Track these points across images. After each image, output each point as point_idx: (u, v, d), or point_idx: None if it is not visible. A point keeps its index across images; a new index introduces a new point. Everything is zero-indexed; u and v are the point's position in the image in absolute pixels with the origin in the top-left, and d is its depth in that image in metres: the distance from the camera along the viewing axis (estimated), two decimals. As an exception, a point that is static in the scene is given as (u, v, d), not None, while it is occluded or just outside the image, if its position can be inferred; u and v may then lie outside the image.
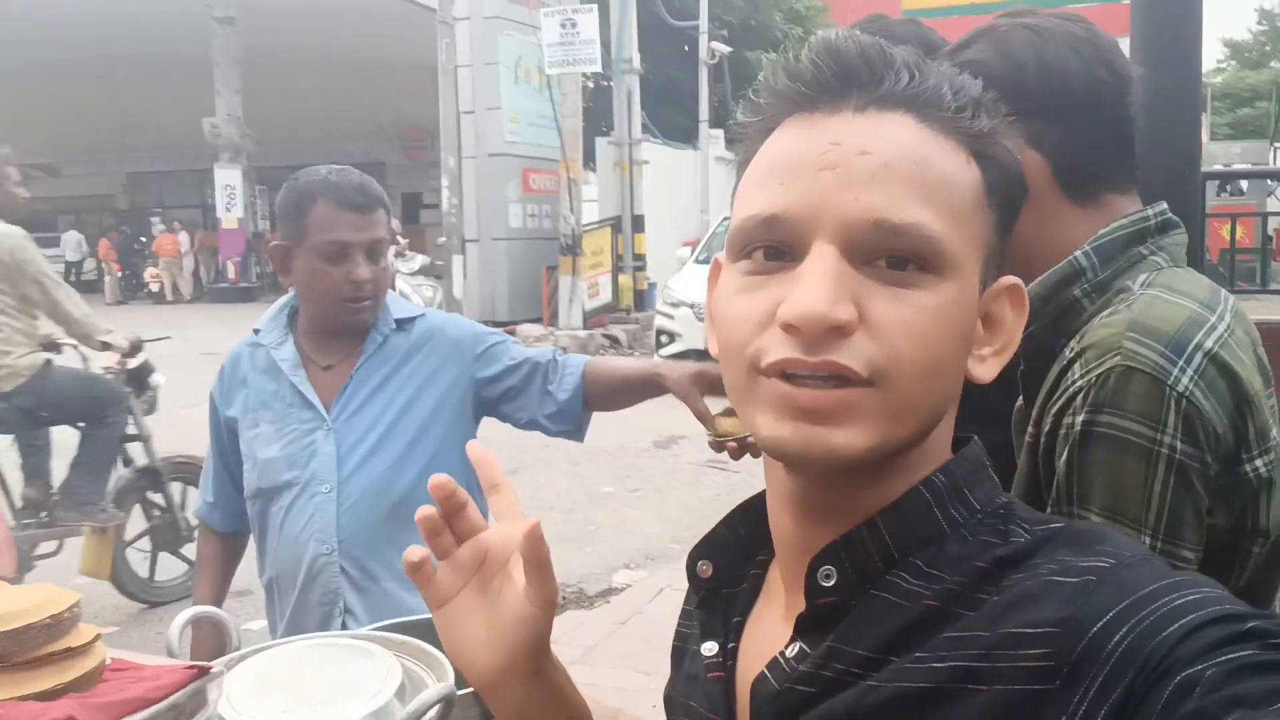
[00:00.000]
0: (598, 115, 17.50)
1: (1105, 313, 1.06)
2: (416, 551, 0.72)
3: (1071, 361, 1.03)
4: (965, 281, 0.65)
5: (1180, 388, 0.97)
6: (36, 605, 0.97)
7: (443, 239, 14.15)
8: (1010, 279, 0.70)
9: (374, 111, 24.79)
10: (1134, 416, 0.97)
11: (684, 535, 5.57)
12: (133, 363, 4.64)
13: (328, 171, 1.86)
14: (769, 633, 0.72)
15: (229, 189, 21.45)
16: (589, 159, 16.63)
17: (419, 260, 14.67)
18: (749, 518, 0.77)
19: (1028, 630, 0.59)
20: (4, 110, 22.67)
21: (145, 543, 4.83)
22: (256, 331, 1.98)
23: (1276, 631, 0.53)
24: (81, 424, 4.56)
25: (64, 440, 4.72)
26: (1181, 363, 0.98)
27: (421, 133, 23.66)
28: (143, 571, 4.77)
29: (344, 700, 1.18)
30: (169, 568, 4.83)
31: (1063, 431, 1.01)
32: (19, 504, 4.55)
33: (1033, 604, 0.60)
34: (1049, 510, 1.00)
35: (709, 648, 0.74)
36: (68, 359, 4.68)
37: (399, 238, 12.97)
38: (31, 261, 4.24)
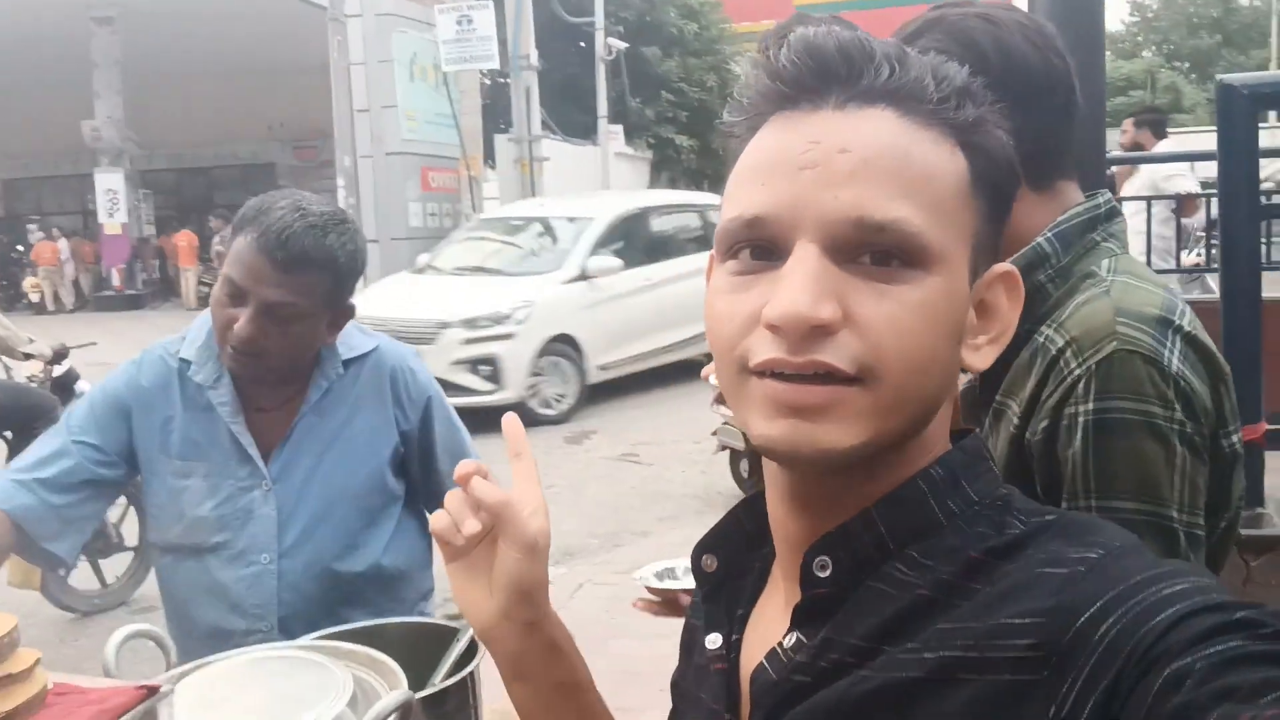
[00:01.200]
0: (496, 112, 17.38)
1: (1079, 298, 1.08)
2: (440, 520, 0.81)
3: (1062, 351, 1.04)
4: (952, 273, 0.65)
5: (1173, 369, 1.00)
6: (-30, 631, 0.92)
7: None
8: (1004, 266, 0.71)
9: (264, 112, 24.14)
10: (1143, 398, 0.99)
11: (600, 530, 5.57)
12: (58, 370, 4.55)
13: (288, 204, 1.60)
14: (770, 624, 0.73)
15: (111, 194, 20.65)
16: (488, 156, 16.49)
17: None
18: (753, 512, 0.78)
19: (1016, 621, 0.60)
20: None
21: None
22: (185, 361, 1.72)
23: (1264, 621, 0.54)
24: (7, 434, 4.44)
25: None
26: (1169, 344, 1.01)
27: (314, 132, 23.15)
28: (72, 582, 4.57)
29: (295, 714, 1.14)
30: (92, 577, 4.62)
31: (1065, 423, 1.01)
32: None
33: (1022, 595, 0.61)
34: (1064, 504, 1.01)
35: (713, 640, 0.75)
36: None
37: None
38: None
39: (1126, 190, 6.54)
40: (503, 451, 0.85)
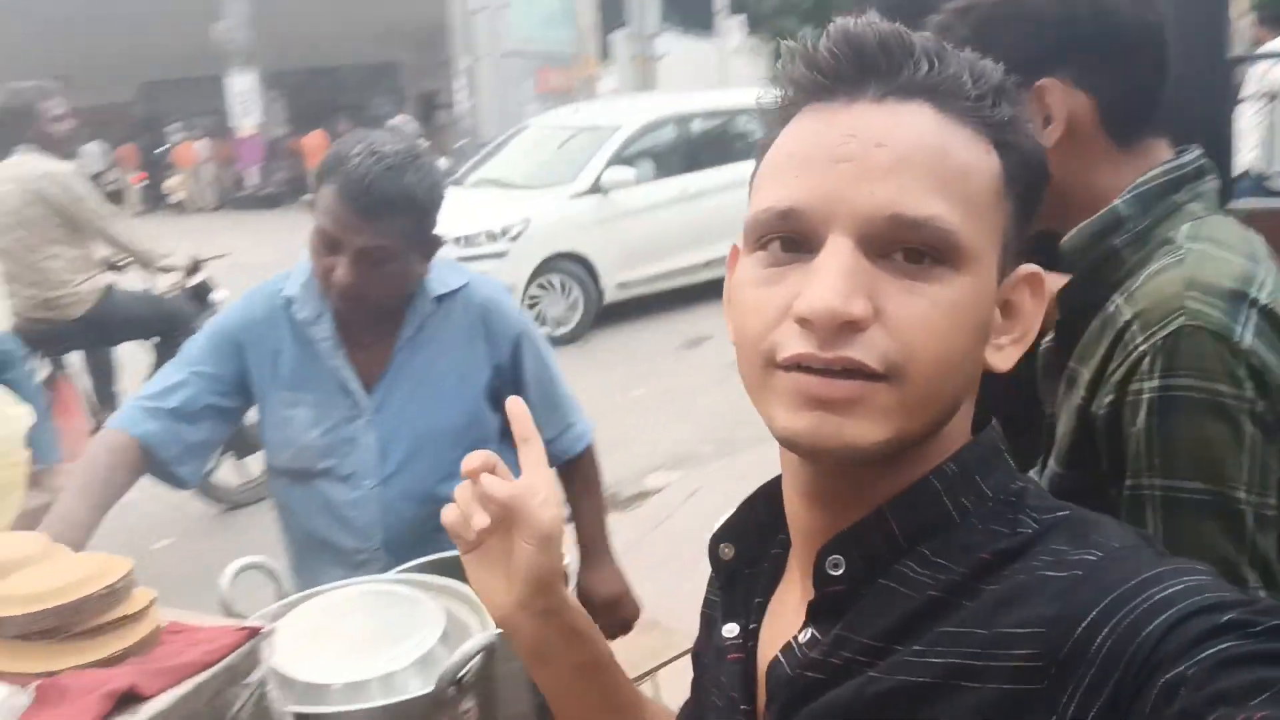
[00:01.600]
0: (612, 8, 17.06)
1: (1152, 266, 1.04)
2: (451, 513, 0.84)
3: (1129, 324, 1.00)
4: (982, 273, 0.65)
5: (1245, 344, 0.96)
6: (92, 576, 1.01)
7: (461, 141, 14.00)
8: (1029, 267, 0.70)
9: (385, 11, 24.28)
10: (1210, 376, 0.95)
11: (716, 436, 5.61)
12: (193, 281, 4.78)
13: (362, 149, 1.65)
14: (787, 616, 0.74)
15: (244, 95, 21.22)
16: (604, 53, 16.29)
17: None
18: (768, 500, 0.78)
19: (1018, 630, 0.60)
20: (16, 22, 22.40)
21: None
22: (289, 299, 1.80)
23: (1255, 620, 0.54)
24: (153, 340, 4.73)
25: (129, 361, 4.92)
26: (1241, 319, 0.97)
27: (434, 31, 23.21)
28: (218, 478, 4.86)
29: (391, 647, 1.22)
30: (242, 472, 4.90)
31: (1130, 399, 0.99)
32: (90, 427, 4.67)
33: (1024, 601, 0.61)
34: (1128, 481, 0.99)
35: (730, 629, 0.77)
36: (130, 279, 4.84)
37: None
38: (85, 198, 4.35)
39: (1246, 91, 6.08)
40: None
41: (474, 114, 14.10)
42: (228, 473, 4.80)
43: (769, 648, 0.73)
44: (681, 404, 6.38)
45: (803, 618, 0.70)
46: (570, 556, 1.52)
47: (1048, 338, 1.20)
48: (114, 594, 1.01)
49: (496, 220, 8.20)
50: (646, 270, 8.91)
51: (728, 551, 0.79)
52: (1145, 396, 0.98)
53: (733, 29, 18.12)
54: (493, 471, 0.82)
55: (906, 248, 0.63)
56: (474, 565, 0.85)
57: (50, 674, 0.94)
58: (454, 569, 1.44)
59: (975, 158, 0.65)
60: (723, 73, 17.37)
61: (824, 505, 0.70)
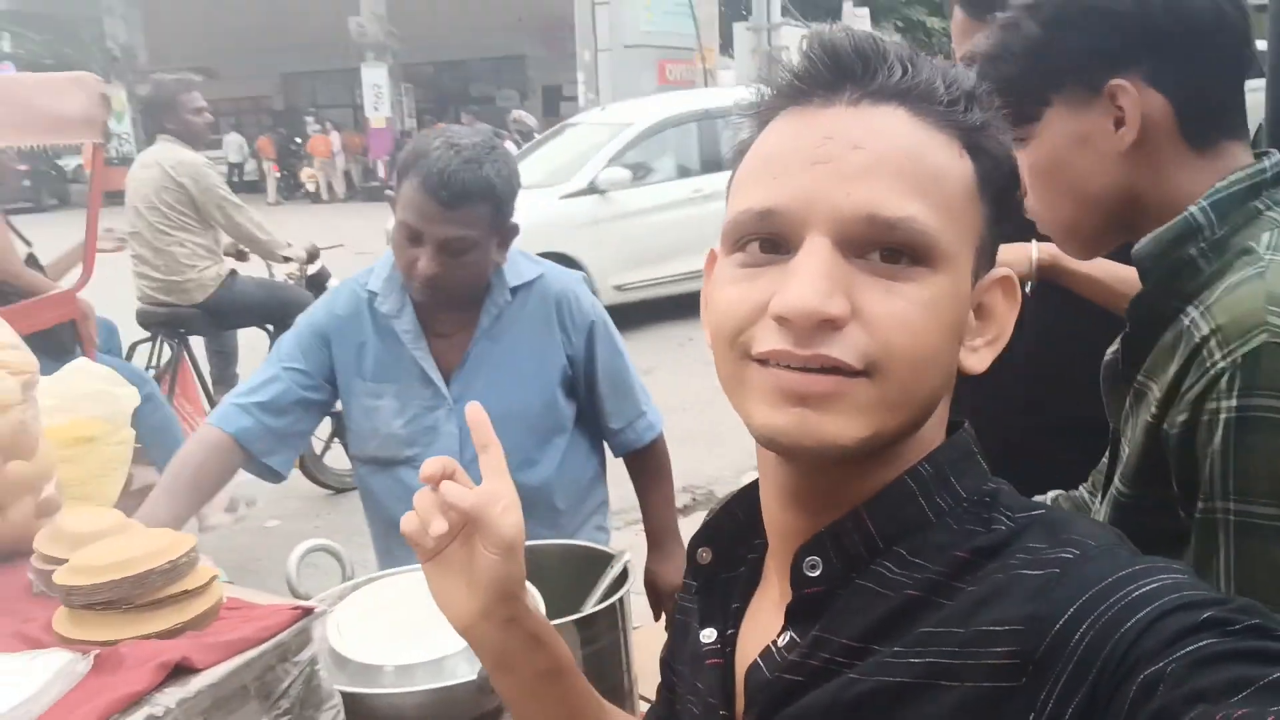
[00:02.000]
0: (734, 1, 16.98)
1: (1231, 278, 0.98)
2: (410, 521, 0.84)
3: (1206, 340, 0.96)
4: (957, 274, 0.66)
5: None
6: (157, 550, 1.06)
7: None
8: (1002, 270, 0.71)
9: (513, 4, 24.70)
10: None
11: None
12: (311, 269, 4.98)
13: (441, 143, 1.71)
14: (765, 621, 0.74)
15: (376, 88, 21.87)
16: (726, 46, 16.22)
17: None
18: (746, 504, 0.79)
19: (995, 628, 0.61)
20: (163, 13, 23.53)
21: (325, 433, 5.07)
22: (373, 293, 1.86)
23: (1232, 619, 0.54)
24: (269, 326, 4.93)
25: (249, 346, 5.14)
26: None
27: (559, 23, 23.51)
28: (327, 461, 5.01)
29: (443, 632, 1.25)
30: (344, 457, 5.07)
31: (1206, 418, 0.94)
32: (209, 408, 4.90)
33: (1002, 599, 0.61)
34: (1200, 504, 0.95)
35: (708, 634, 0.77)
36: (252, 267, 5.05)
37: None
38: (213, 188, 4.57)
39: None
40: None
41: (596, 106, 14.22)
42: (338, 458, 4.96)
43: (747, 652, 0.74)
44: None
45: (781, 621, 0.70)
46: (629, 554, 1.54)
47: (1112, 348, 1.15)
48: (176, 569, 1.06)
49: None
50: (647, 274, 8.58)
51: (705, 555, 0.80)
52: (1222, 416, 0.93)
53: (858, 20, 17.84)
54: (451, 478, 0.82)
55: (883, 248, 0.64)
56: (434, 574, 0.85)
57: (110, 643, 1.00)
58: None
59: (948, 160, 0.66)
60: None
61: (801, 506, 0.71)
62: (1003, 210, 0.70)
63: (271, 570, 1.19)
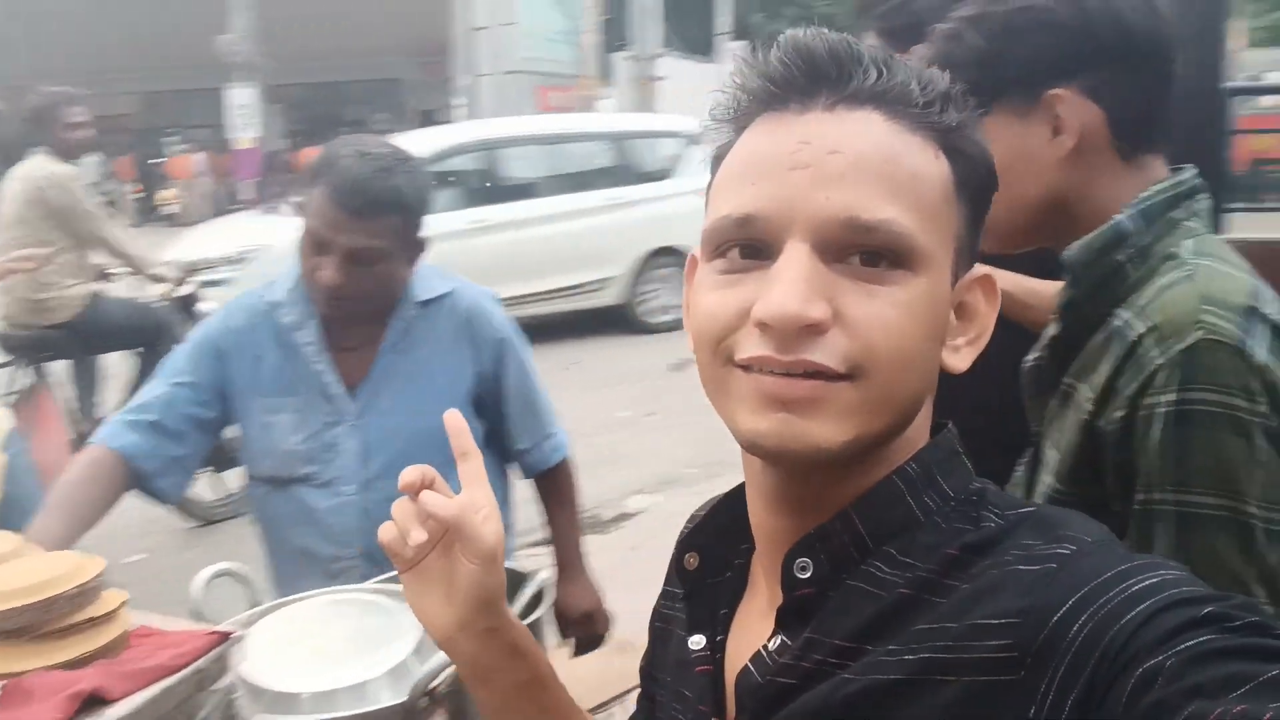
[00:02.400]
0: (615, 30, 17.15)
1: (1159, 281, 1.04)
2: (388, 530, 0.81)
3: (1142, 338, 1.00)
4: (937, 275, 0.66)
5: (1259, 359, 0.96)
6: (62, 575, 1.01)
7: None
8: (982, 269, 0.72)
9: (390, 27, 24.39)
10: (1227, 390, 0.95)
11: (701, 459, 5.60)
12: (181, 291, 4.80)
13: (351, 153, 1.68)
14: (754, 626, 0.74)
15: (242, 108, 21.25)
16: (604, 74, 16.37)
17: None
18: (731, 508, 0.79)
19: (991, 621, 0.61)
20: (16, 29, 22.45)
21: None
22: (274, 304, 1.81)
23: (1232, 615, 0.55)
24: (140, 349, 4.72)
25: (112, 370, 4.92)
26: (1255, 334, 0.97)
27: (438, 48, 23.32)
28: (196, 492, 4.83)
29: (364, 656, 1.22)
30: (217, 488, 4.85)
31: (1144, 413, 0.98)
32: (71, 437, 4.65)
33: (997, 593, 0.62)
34: (1138, 496, 0.99)
35: (697, 641, 0.76)
36: (122, 288, 4.87)
37: None
38: (79, 202, 4.39)
39: None
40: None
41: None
42: (203, 488, 4.77)
43: (736, 658, 0.73)
44: (669, 426, 6.37)
45: (770, 625, 0.70)
46: (545, 572, 1.52)
47: (1034, 354, 1.20)
48: (84, 595, 1.01)
49: (233, 245, 7.75)
50: None
51: (693, 561, 0.79)
52: (1161, 410, 0.97)
53: (733, 54, 18.23)
54: (430, 487, 0.81)
55: (863, 251, 0.64)
56: (412, 584, 0.83)
57: (16, 675, 0.94)
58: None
59: (925, 163, 0.66)
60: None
61: (789, 509, 0.70)
62: (980, 210, 0.71)
63: (142, 604, 1.13)
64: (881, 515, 0.68)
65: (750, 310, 0.64)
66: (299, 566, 1.78)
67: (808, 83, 0.67)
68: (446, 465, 1.87)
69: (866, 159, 0.64)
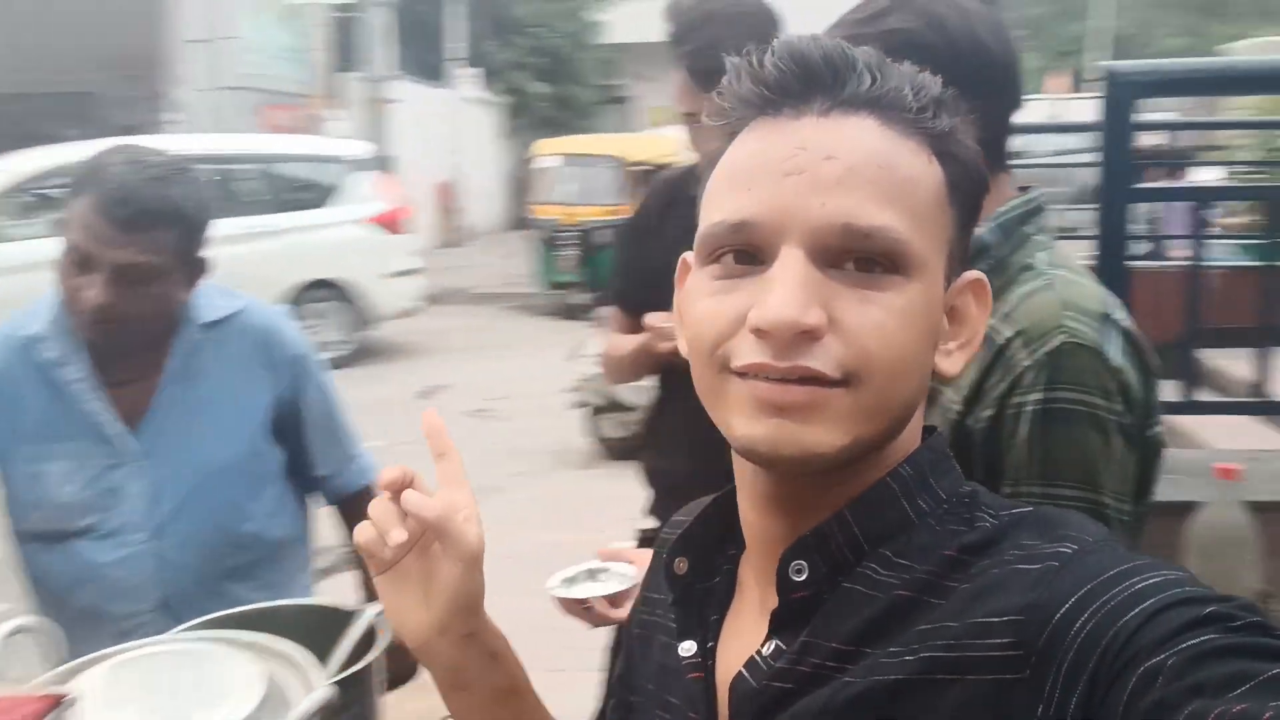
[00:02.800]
0: (343, 51, 16.67)
1: (1020, 290, 1.11)
2: (366, 531, 0.78)
3: (1010, 342, 1.07)
4: (930, 280, 0.67)
5: (1115, 362, 1.05)
6: None
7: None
8: (974, 273, 0.73)
9: (90, 37, 22.54)
10: (1087, 390, 1.03)
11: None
12: None
13: (122, 160, 1.53)
14: (746, 631, 0.73)
15: (-87, 117, 18.98)
16: (335, 94, 15.85)
17: None
18: (720, 512, 0.78)
19: (994, 619, 0.61)
20: None
21: None
22: (33, 338, 1.61)
23: (1234, 615, 0.56)
24: None
25: None
26: (1111, 339, 1.06)
27: (145, 62, 21.75)
28: None
29: (209, 707, 1.09)
30: None
31: (1011, 411, 1.05)
32: None
33: (998, 592, 0.62)
34: (1006, 489, 1.05)
35: (687, 647, 0.75)
36: None
37: None
38: None
39: None
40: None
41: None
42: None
43: (728, 664, 0.72)
44: (422, 455, 6.20)
45: (763, 630, 0.69)
46: (374, 607, 1.43)
47: None
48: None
49: None
50: None
51: (682, 566, 0.77)
52: (1028, 409, 1.04)
53: (466, 80, 18.15)
54: (410, 486, 0.77)
55: (858, 257, 0.64)
56: (387, 587, 0.79)
57: None
58: (251, 623, 1.32)
59: (919, 168, 0.67)
60: (453, 121, 17.34)
61: (783, 512, 0.70)
62: (971, 214, 0.72)
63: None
64: (876, 517, 0.68)
65: (745, 316, 0.64)
66: (84, 629, 1.54)
67: (802, 88, 0.66)
68: (247, 498, 1.73)
69: (862, 165, 0.65)
